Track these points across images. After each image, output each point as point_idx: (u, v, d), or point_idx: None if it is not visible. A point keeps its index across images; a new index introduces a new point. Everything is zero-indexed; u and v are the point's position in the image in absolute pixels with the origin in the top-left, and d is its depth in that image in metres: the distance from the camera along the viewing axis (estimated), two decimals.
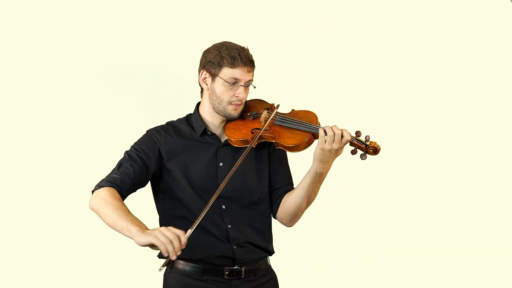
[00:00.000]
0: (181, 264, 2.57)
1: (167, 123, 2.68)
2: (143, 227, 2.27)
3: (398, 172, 4.16)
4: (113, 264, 3.92)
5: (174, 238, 2.21)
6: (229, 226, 2.56)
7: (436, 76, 4.18)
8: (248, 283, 2.58)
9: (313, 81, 4.05)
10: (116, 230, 2.35)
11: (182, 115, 2.72)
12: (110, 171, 2.54)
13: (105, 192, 2.42)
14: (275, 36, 4.04)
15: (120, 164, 2.54)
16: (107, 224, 2.38)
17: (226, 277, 2.55)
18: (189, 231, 2.27)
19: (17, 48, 3.91)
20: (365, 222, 4.18)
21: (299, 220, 2.68)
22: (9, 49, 3.91)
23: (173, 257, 2.21)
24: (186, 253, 2.49)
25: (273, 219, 2.68)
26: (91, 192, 2.49)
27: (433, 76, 4.18)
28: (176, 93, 3.92)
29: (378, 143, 2.47)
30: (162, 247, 2.20)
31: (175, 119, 2.71)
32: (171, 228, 2.23)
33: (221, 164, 2.58)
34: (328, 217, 4.10)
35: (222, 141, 2.61)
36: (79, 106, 3.95)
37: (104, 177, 2.51)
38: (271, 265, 2.70)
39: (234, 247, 2.55)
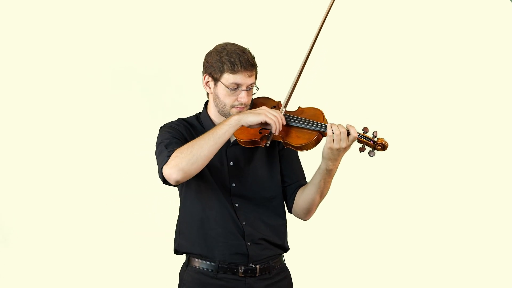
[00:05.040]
0: (197, 262, 2.59)
1: (178, 119, 2.68)
2: (238, 113, 2.49)
3: (412, 169, 4.21)
4: (130, 262, 3.95)
5: (279, 116, 2.46)
6: (244, 223, 2.59)
7: (436, 76, 4.22)
8: (262, 281, 2.61)
9: (318, 77, 4.09)
10: (220, 142, 2.45)
11: (184, 114, 2.73)
12: (157, 159, 2.52)
13: (177, 151, 2.45)
14: (278, 32, 4.08)
15: (166, 145, 2.51)
16: (208, 154, 2.44)
17: (241, 275, 2.58)
18: (283, 109, 2.52)
19: (21, 49, 3.98)
20: (380, 220, 4.21)
21: (310, 220, 2.71)
22: (11, 50, 3.97)
23: (277, 133, 2.47)
24: (201, 250, 2.58)
25: (287, 215, 2.71)
26: (160, 174, 2.46)
27: (433, 75, 4.22)
28: (178, 93, 3.96)
29: (385, 139, 2.46)
30: (274, 125, 2.45)
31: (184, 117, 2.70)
32: (267, 108, 2.48)
33: (231, 163, 2.61)
34: (342, 214, 4.14)
35: (231, 141, 2.63)
36: (78, 106, 4.00)
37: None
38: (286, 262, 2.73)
39: (249, 244, 2.58)
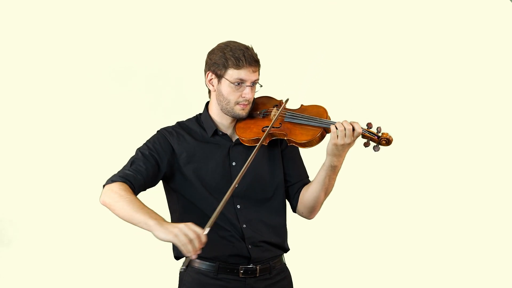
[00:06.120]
0: (197, 263, 2.58)
1: (177, 123, 2.67)
2: (161, 220, 2.29)
3: (416, 168, 4.21)
4: (129, 262, 3.95)
5: (195, 237, 2.23)
6: (244, 226, 2.58)
7: (437, 74, 4.23)
8: (263, 281, 2.60)
9: (320, 76, 4.10)
10: (132, 223, 2.37)
11: (184, 113, 2.72)
12: (121, 167, 2.53)
13: (118, 186, 2.43)
14: (280, 31, 4.08)
15: (132, 161, 2.53)
16: (122, 218, 2.39)
17: (241, 275, 2.57)
18: (207, 229, 2.27)
19: (22, 49, 3.98)
20: (381, 219, 4.21)
21: (310, 219, 2.71)
22: (11, 50, 3.97)
23: (194, 257, 2.25)
24: (202, 252, 2.55)
25: (288, 216, 2.70)
26: (102, 187, 2.48)
27: (435, 74, 4.23)
28: (178, 93, 3.96)
29: (390, 133, 2.48)
30: (183, 248, 2.23)
31: (184, 119, 2.70)
32: (191, 225, 2.25)
33: (234, 163, 2.60)
34: (342, 215, 4.14)
35: (234, 141, 2.62)
36: (78, 106, 4.01)
37: (112, 173, 2.51)
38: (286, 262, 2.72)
39: (249, 246, 2.57)
